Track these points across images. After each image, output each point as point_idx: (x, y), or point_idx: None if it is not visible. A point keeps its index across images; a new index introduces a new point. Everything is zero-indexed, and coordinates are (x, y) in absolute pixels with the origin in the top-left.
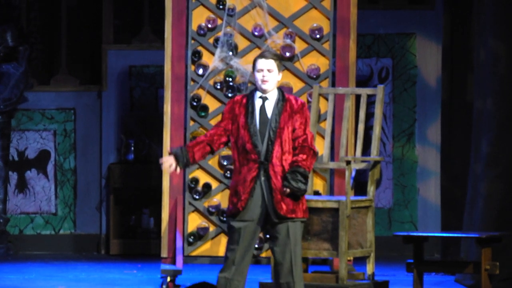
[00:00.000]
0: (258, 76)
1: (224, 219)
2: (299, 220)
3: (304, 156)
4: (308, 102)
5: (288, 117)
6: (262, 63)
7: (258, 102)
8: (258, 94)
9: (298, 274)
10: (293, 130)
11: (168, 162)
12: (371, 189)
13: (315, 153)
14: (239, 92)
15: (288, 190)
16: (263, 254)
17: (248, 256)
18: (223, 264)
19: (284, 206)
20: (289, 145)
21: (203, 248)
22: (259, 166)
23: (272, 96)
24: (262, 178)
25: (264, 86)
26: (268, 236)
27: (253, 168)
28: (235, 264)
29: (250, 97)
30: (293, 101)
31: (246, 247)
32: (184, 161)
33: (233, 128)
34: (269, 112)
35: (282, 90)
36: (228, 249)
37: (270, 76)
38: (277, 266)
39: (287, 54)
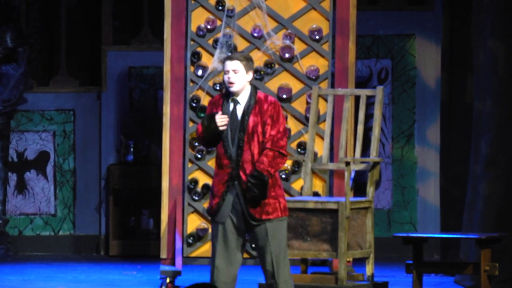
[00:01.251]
0: (225, 77)
1: None
2: (278, 220)
3: (264, 159)
4: (307, 103)
5: (257, 119)
6: (227, 65)
7: (230, 106)
8: (230, 96)
9: (282, 276)
10: (263, 128)
11: (226, 119)
12: (370, 190)
13: (280, 154)
14: None
15: (248, 197)
16: None
17: (234, 257)
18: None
19: (258, 210)
20: (260, 147)
21: (203, 249)
22: (230, 171)
23: (243, 98)
24: (235, 182)
25: (231, 88)
26: (250, 240)
27: (226, 172)
28: (219, 267)
29: (225, 99)
30: (263, 101)
31: (226, 248)
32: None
33: None
34: (238, 114)
35: (256, 88)
36: (212, 251)
37: (235, 77)
38: (262, 269)
39: (286, 55)
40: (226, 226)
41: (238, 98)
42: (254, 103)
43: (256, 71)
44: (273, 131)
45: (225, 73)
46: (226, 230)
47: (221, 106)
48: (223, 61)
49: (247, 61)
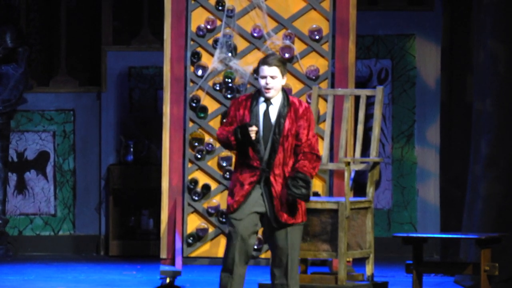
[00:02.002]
0: (262, 83)
1: (224, 220)
2: (299, 225)
3: (306, 162)
4: (307, 103)
5: (292, 123)
6: (265, 70)
7: (262, 107)
8: (262, 98)
9: (293, 277)
10: (297, 135)
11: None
12: (370, 190)
13: (318, 157)
14: (238, 93)
15: (291, 198)
16: (263, 255)
17: (244, 255)
18: (222, 264)
19: (284, 214)
20: (291, 151)
21: (203, 249)
22: (260, 173)
23: (276, 101)
24: (262, 184)
25: (267, 94)
26: (266, 238)
27: (254, 173)
28: (235, 263)
29: (255, 100)
30: (297, 105)
31: (243, 245)
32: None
33: None
34: (272, 117)
35: (287, 92)
36: (227, 246)
37: (273, 83)
38: (274, 268)
39: (286, 55)
40: (244, 223)
41: (272, 101)
42: (288, 106)
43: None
44: (310, 135)
45: (261, 78)
46: (244, 227)
47: (250, 107)
48: (259, 65)
49: (284, 65)
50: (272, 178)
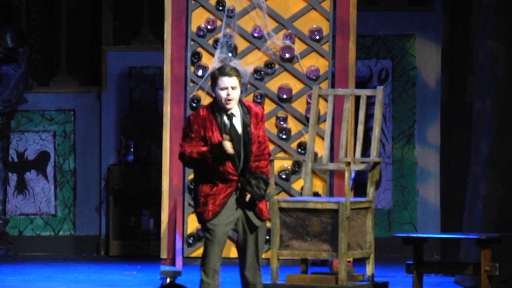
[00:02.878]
0: (223, 94)
1: None
2: (267, 220)
3: (266, 163)
4: (308, 103)
5: (256, 128)
6: (226, 81)
7: (225, 120)
8: (222, 111)
9: (260, 277)
10: (258, 137)
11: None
12: (370, 190)
13: (269, 162)
14: None
15: (249, 195)
16: (262, 256)
17: (220, 262)
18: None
19: (265, 211)
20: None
21: (203, 249)
22: (236, 183)
23: (236, 111)
24: (237, 192)
25: (228, 106)
26: (239, 241)
27: (230, 184)
28: (215, 269)
29: (216, 114)
30: (255, 109)
31: (221, 250)
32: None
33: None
34: (238, 128)
35: (240, 99)
36: (206, 253)
37: (234, 93)
38: (246, 270)
39: (287, 55)
40: (221, 229)
41: (233, 112)
42: (249, 112)
43: (256, 71)
44: (264, 138)
45: (221, 90)
46: (221, 233)
47: (216, 123)
48: (217, 77)
49: (240, 76)
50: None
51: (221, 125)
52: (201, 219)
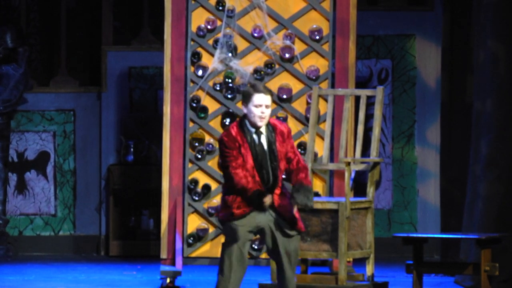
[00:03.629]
0: (256, 111)
1: None
2: (301, 233)
3: (303, 175)
4: (308, 103)
5: (281, 145)
6: (261, 99)
7: (254, 137)
8: (251, 128)
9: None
10: (286, 154)
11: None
12: (370, 190)
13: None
14: (238, 93)
15: (296, 206)
16: (263, 256)
17: (245, 262)
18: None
19: (300, 223)
20: (284, 169)
21: (203, 249)
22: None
23: (263, 128)
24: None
25: (260, 123)
26: (271, 251)
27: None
28: (232, 270)
29: (246, 131)
30: (281, 128)
31: (241, 250)
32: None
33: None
34: (264, 145)
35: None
36: (224, 251)
37: (267, 112)
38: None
39: (287, 55)
40: (247, 230)
41: (261, 130)
42: (274, 131)
43: (256, 71)
44: (295, 154)
45: (256, 107)
46: (247, 234)
47: (245, 139)
48: (252, 93)
49: (273, 97)
50: (275, 196)
51: (251, 143)
52: (224, 219)
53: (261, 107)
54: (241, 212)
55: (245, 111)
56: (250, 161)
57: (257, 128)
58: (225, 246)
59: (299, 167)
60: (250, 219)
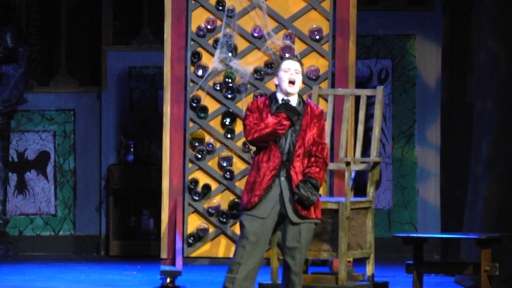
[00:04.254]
0: (285, 76)
1: (224, 220)
2: (314, 221)
3: (317, 170)
4: None
5: (309, 120)
6: (290, 63)
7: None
8: (280, 96)
9: (301, 276)
10: (311, 134)
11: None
12: (370, 190)
13: (327, 165)
14: (238, 93)
15: (297, 197)
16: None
17: (258, 256)
18: (231, 263)
19: (317, 210)
20: (309, 147)
21: (203, 249)
22: (280, 166)
23: (293, 101)
24: (282, 178)
25: (291, 88)
26: (280, 238)
27: (275, 166)
28: (241, 263)
29: (274, 99)
30: (314, 107)
31: (255, 245)
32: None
33: None
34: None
35: (301, 96)
36: (237, 245)
37: (297, 77)
38: (286, 266)
39: (287, 55)
40: (264, 222)
41: (290, 99)
42: (304, 105)
43: (256, 71)
44: (321, 139)
45: (285, 71)
46: (263, 226)
47: (270, 107)
48: (281, 62)
49: (303, 68)
50: (292, 172)
51: (273, 108)
52: (244, 207)
53: (289, 70)
54: (258, 197)
55: (276, 82)
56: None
57: (287, 96)
58: (238, 239)
59: (318, 157)
60: (267, 207)
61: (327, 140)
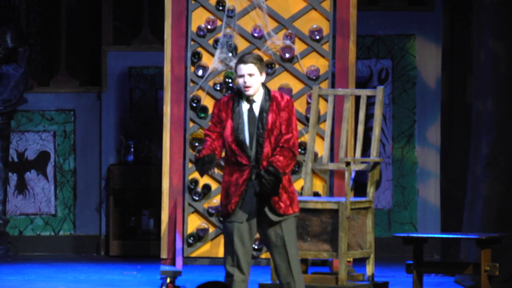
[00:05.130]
0: (240, 81)
1: None
2: (293, 216)
3: (281, 158)
4: (308, 103)
5: (275, 116)
6: (242, 69)
7: (245, 106)
8: (244, 96)
9: (296, 272)
10: (279, 126)
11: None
12: (370, 190)
13: (294, 155)
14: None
15: (260, 192)
16: (263, 255)
17: (247, 255)
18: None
19: (282, 205)
20: (276, 142)
21: (203, 249)
22: (250, 170)
23: (258, 97)
24: (255, 181)
25: (247, 92)
26: (262, 239)
27: (244, 171)
28: (235, 265)
29: (236, 100)
30: (279, 99)
31: (243, 246)
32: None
33: (222, 132)
34: (256, 113)
35: (267, 88)
36: (226, 251)
37: (251, 80)
38: (276, 267)
39: (287, 55)
40: (244, 225)
41: (254, 98)
42: (270, 100)
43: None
44: (288, 130)
45: (239, 77)
46: (244, 229)
47: (232, 108)
48: (236, 65)
49: (260, 62)
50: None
51: (236, 110)
52: (223, 214)
53: (243, 77)
54: (234, 204)
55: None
56: (228, 126)
57: (249, 98)
58: (226, 245)
59: (283, 147)
60: (245, 209)
61: (326, 140)
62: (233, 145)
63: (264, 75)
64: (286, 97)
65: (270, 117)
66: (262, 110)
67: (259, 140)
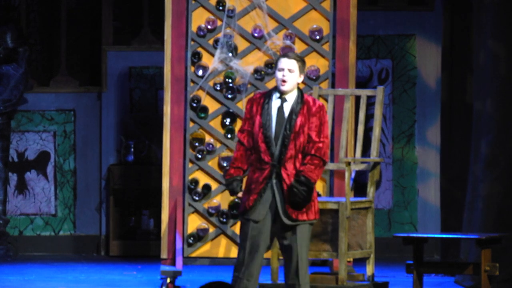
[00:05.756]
0: (278, 75)
1: (224, 220)
2: (308, 222)
3: (312, 168)
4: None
5: (304, 120)
6: (284, 62)
7: (276, 103)
8: (277, 94)
9: (303, 276)
10: (308, 130)
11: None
12: (370, 190)
13: (324, 164)
14: (239, 93)
15: (292, 200)
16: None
17: (258, 257)
18: (235, 263)
19: (295, 210)
20: (304, 148)
21: (203, 249)
22: (271, 169)
23: (291, 97)
24: (274, 181)
25: (282, 87)
26: (277, 238)
27: (266, 169)
28: (244, 264)
29: (268, 97)
30: (311, 103)
31: (253, 246)
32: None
33: (252, 129)
34: (286, 114)
35: (302, 91)
36: (239, 247)
37: (290, 76)
38: (285, 267)
39: None
40: (258, 226)
41: (286, 97)
42: (302, 103)
43: (256, 71)
44: (320, 138)
45: (279, 70)
46: (259, 229)
47: (262, 105)
48: (278, 58)
49: (302, 63)
50: (284, 174)
51: (264, 107)
52: (240, 211)
53: (283, 70)
54: (252, 201)
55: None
56: (257, 122)
57: (282, 94)
58: (239, 242)
59: (313, 156)
60: (262, 209)
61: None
62: (259, 141)
63: (302, 77)
64: (319, 103)
65: (299, 120)
66: (292, 112)
67: (284, 141)
